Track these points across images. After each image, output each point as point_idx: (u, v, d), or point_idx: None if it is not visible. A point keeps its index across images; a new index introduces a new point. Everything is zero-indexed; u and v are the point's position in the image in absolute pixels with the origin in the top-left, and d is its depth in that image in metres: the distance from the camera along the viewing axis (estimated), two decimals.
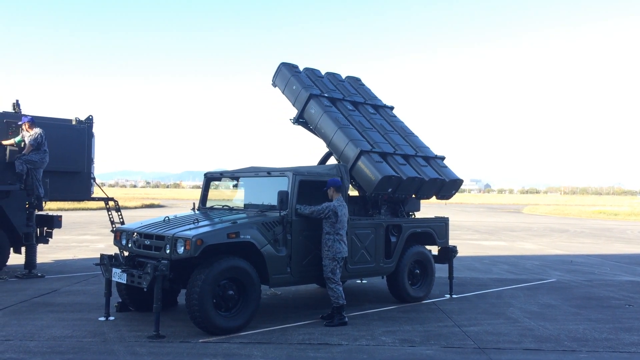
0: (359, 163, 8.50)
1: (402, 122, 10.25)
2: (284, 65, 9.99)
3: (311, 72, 10.15)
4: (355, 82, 10.79)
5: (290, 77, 9.76)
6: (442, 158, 9.77)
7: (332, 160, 9.53)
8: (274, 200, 7.30)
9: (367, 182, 8.43)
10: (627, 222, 37.53)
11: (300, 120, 9.58)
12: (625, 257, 16.39)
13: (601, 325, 7.53)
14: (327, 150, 9.53)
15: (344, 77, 10.74)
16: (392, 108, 10.64)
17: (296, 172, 7.47)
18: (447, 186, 9.39)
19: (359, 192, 9.14)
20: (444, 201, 10.08)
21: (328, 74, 10.52)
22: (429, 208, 44.23)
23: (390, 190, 8.47)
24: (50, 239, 11.47)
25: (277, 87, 10.12)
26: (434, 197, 9.47)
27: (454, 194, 9.75)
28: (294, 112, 9.69)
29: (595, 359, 5.97)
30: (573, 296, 9.69)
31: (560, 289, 10.38)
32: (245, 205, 8.14)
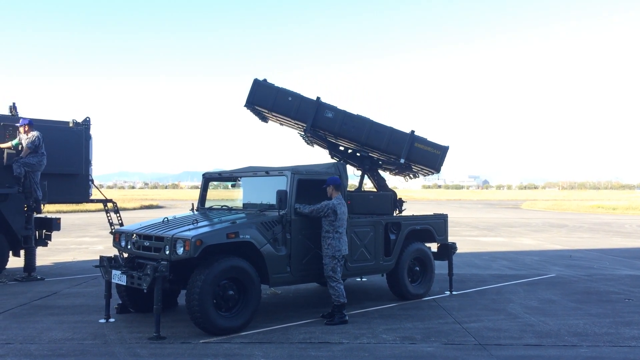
0: (416, 145, 8.55)
1: None
2: (263, 82, 9.28)
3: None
4: None
5: (278, 90, 9.19)
6: None
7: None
8: (272, 200, 7.29)
9: (432, 159, 8.55)
10: (625, 216, 37.59)
11: (313, 129, 8.93)
12: (624, 251, 16.42)
13: (601, 319, 7.54)
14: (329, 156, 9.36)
15: None
16: None
17: (295, 171, 7.46)
18: None
19: (408, 179, 9.36)
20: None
21: None
22: (428, 205, 44.23)
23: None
24: (49, 242, 11.44)
25: (256, 107, 9.32)
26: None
27: None
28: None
29: (595, 353, 5.99)
30: (573, 291, 9.71)
31: (560, 284, 10.40)
32: (244, 205, 8.14)
